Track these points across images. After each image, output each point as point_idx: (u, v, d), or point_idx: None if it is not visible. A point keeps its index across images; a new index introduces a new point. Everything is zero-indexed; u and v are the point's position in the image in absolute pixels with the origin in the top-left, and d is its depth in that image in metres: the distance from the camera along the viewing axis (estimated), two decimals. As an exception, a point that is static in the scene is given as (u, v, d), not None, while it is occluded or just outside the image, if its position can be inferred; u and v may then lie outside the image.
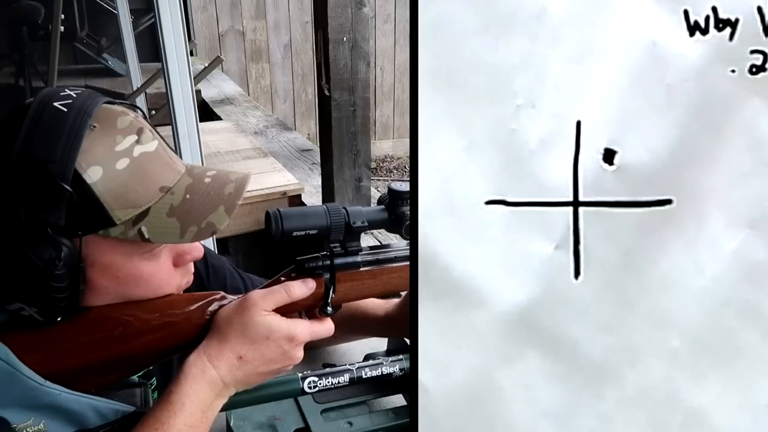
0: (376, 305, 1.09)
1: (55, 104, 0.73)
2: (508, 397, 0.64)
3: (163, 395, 0.78)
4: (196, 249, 0.85)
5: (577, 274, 0.60)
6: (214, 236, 1.93)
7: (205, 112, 3.85)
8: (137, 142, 0.76)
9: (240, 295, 0.86)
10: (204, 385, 0.78)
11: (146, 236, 0.75)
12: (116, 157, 0.74)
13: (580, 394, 0.64)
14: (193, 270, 0.89)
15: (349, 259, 0.89)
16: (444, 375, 0.62)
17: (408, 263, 0.90)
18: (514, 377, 0.63)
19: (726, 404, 0.64)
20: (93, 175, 0.72)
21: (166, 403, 0.77)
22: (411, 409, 0.63)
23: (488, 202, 0.58)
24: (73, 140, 0.71)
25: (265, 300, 0.82)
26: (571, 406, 0.64)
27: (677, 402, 0.64)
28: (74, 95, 0.75)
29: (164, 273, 0.82)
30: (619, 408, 0.64)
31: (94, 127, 0.73)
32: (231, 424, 0.94)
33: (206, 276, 1.03)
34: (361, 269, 0.89)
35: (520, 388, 0.63)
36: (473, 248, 0.59)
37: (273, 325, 0.81)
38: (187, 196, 0.78)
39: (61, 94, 0.75)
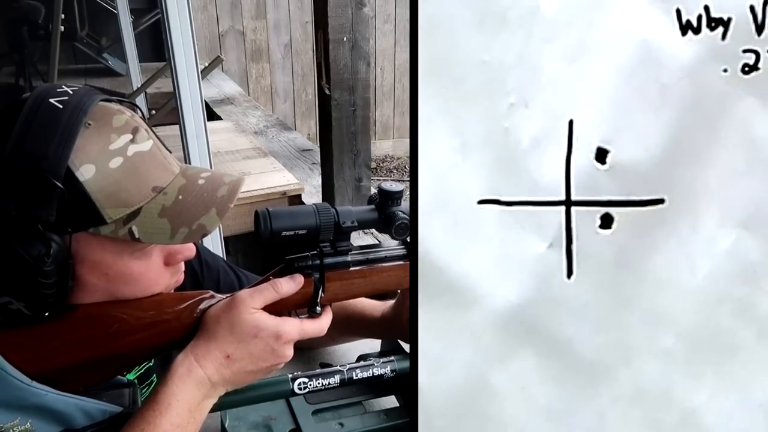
0: (373, 306, 1.09)
1: (51, 100, 0.72)
2: (502, 396, 0.63)
3: (150, 395, 0.78)
4: (188, 249, 0.85)
5: (569, 273, 0.60)
6: (222, 235, 1.93)
7: (206, 112, 3.84)
8: (132, 141, 0.75)
9: (229, 294, 0.85)
10: (190, 385, 0.78)
11: (137, 236, 0.75)
12: (110, 156, 0.73)
13: (574, 393, 0.64)
14: (183, 269, 0.88)
15: (339, 259, 0.88)
16: (439, 374, 0.62)
17: (398, 263, 0.91)
18: (509, 376, 0.63)
19: (720, 403, 0.64)
20: (86, 173, 0.72)
21: (152, 403, 0.77)
22: (410, 409, 0.63)
23: (481, 201, 0.58)
24: (67, 137, 0.71)
25: (252, 298, 0.82)
26: (566, 405, 0.64)
27: (672, 401, 0.64)
28: (71, 92, 0.74)
29: (154, 272, 0.82)
30: (614, 407, 0.64)
31: (89, 124, 0.73)
32: (226, 425, 0.93)
33: (200, 272, 1.03)
34: (351, 269, 0.89)
35: (514, 387, 0.63)
36: (467, 247, 0.59)
37: (261, 322, 0.80)
38: (180, 197, 0.78)
39: (58, 90, 0.74)
